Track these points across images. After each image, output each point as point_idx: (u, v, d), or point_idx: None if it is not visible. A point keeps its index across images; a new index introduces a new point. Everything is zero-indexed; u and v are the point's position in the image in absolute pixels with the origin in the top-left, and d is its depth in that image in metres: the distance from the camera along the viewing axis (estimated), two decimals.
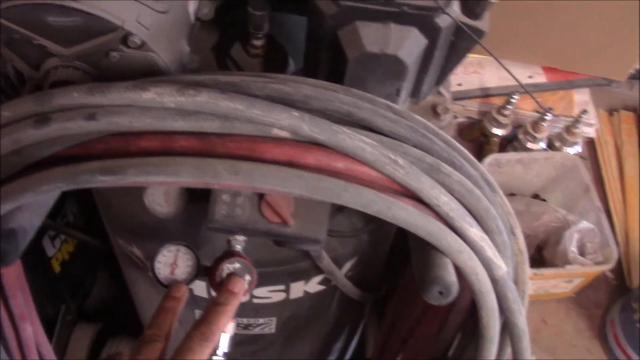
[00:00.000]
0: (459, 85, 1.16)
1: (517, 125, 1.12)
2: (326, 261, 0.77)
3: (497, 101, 1.14)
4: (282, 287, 0.83)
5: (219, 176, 0.50)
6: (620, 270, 1.04)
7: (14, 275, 0.71)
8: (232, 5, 0.78)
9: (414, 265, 0.61)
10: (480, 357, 0.65)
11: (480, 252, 0.57)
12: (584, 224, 0.94)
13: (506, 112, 1.07)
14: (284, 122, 0.51)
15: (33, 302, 0.80)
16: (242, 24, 0.75)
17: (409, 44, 0.62)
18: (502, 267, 0.58)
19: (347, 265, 0.84)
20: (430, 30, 0.63)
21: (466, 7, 0.66)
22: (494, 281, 0.59)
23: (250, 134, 0.52)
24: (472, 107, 1.16)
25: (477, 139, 1.13)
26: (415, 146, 0.55)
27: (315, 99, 0.54)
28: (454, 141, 0.60)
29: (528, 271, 0.67)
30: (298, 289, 0.85)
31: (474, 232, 0.56)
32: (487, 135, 1.10)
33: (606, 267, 0.92)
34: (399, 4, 0.60)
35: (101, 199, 0.85)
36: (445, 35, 0.65)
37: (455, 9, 0.64)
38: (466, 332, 0.73)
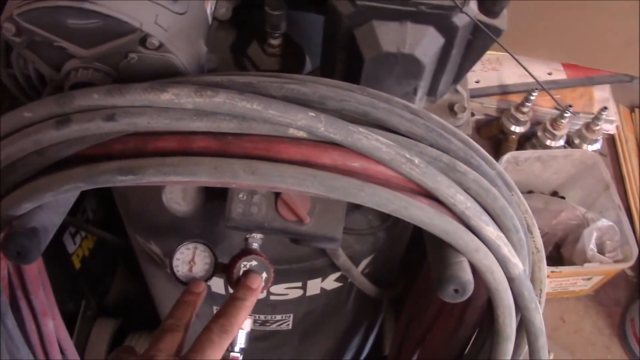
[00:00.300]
0: (477, 82, 1.15)
1: (536, 123, 1.12)
2: (343, 259, 0.78)
3: (516, 98, 1.14)
4: (299, 284, 0.84)
5: (237, 176, 0.50)
6: None
7: (35, 271, 0.72)
8: (249, 4, 0.78)
9: (430, 263, 0.61)
10: (496, 355, 0.65)
11: (497, 250, 0.57)
12: (603, 222, 0.93)
13: (525, 110, 1.07)
14: (301, 122, 0.51)
15: (54, 298, 0.81)
16: (259, 24, 0.75)
17: (425, 43, 0.62)
18: (519, 266, 0.58)
19: (364, 263, 0.85)
20: (447, 29, 0.63)
21: (483, 5, 0.65)
22: (510, 280, 0.59)
23: (267, 134, 0.52)
24: (491, 104, 1.15)
25: (495, 136, 1.13)
26: (432, 145, 0.56)
27: (331, 99, 0.54)
28: (471, 140, 0.60)
29: (545, 270, 0.67)
30: (315, 286, 0.85)
31: (490, 230, 0.56)
32: (506, 133, 1.10)
33: (626, 265, 0.91)
34: (416, 3, 0.60)
35: (120, 196, 0.87)
36: (462, 34, 0.65)
37: (473, 7, 0.64)
38: (482, 329, 0.73)
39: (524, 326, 0.65)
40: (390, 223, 0.78)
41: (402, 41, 0.61)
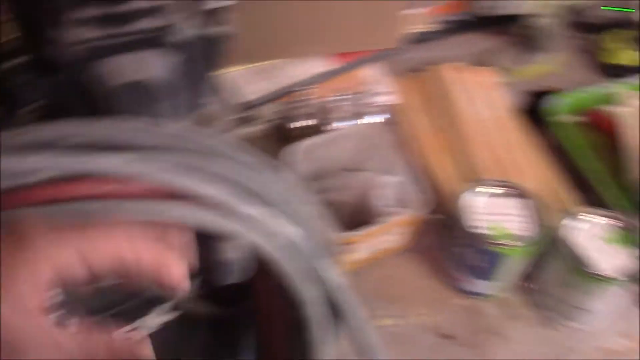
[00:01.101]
0: (253, 93, 1.21)
1: (317, 113, 1.19)
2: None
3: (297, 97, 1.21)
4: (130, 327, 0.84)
5: None
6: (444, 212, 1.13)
7: None
8: None
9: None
10: (307, 320, 0.69)
11: (260, 226, 0.61)
12: (391, 179, 1.02)
13: (300, 105, 1.15)
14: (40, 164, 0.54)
15: None
16: None
17: (154, 67, 0.66)
18: (289, 233, 0.63)
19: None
20: (173, 48, 0.67)
21: (206, 16, 0.70)
22: (285, 247, 0.63)
23: (11, 186, 0.55)
24: (272, 110, 1.22)
25: (283, 138, 1.19)
26: (175, 150, 0.60)
27: (72, 137, 0.57)
28: (219, 136, 0.64)
29: (332, 233, 0.72)
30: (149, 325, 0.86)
31: (249, 208, 0.60)
32: (290, 131, 1.17)
33: (416, 213, 1.00)
34: (130, 32, 0.64)
35: None
36: (191, 48, 0.69)
37: (194, 21, 0.68)
38: None
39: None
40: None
41: (131, 70, 0.65)
